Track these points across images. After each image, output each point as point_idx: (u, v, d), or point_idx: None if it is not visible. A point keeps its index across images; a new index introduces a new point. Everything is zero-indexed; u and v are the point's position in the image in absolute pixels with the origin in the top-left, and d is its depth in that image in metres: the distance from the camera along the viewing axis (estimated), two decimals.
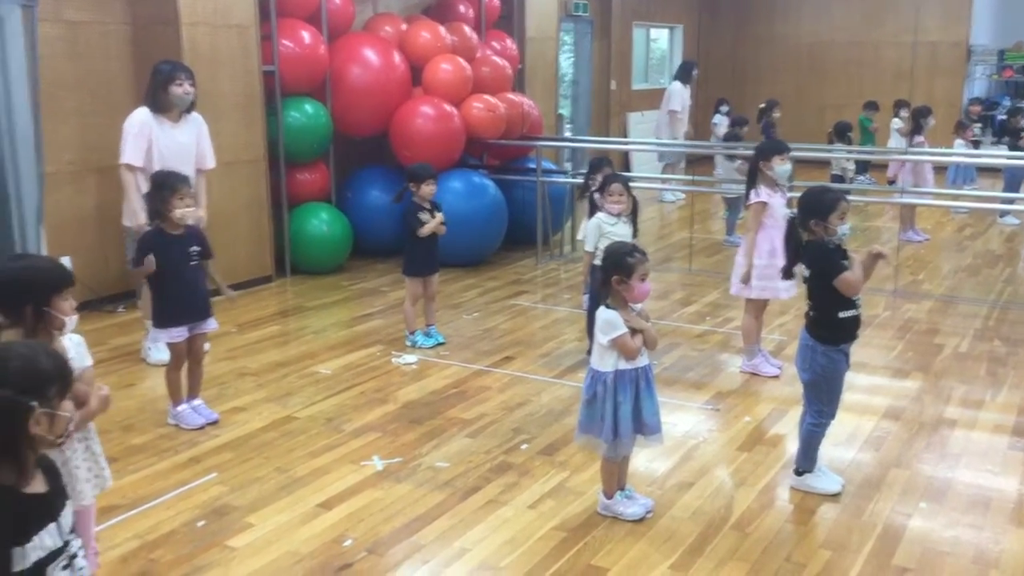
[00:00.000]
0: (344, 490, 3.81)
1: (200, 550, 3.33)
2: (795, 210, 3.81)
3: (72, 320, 2.74)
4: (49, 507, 1.83)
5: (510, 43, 9.32)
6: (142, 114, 5.26)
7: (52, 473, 1.89)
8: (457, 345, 5.76)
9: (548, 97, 10.14)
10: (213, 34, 6.70)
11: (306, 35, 7.37)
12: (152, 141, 5.23)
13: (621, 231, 4.88)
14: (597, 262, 4.81)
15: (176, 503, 3.70)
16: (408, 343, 5.70)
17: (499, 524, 3.53)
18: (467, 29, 8.57)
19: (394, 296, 6.90)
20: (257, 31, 7.04)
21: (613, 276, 3.38)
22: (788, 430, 4.37)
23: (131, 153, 5.19)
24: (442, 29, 8.20)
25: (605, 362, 3.43)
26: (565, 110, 12.49)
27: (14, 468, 1.76)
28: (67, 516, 1.87)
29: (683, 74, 11.82)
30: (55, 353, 1.87)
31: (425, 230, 5.52)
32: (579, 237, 5.63)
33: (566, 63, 12.74)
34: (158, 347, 5.18)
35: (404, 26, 8.27)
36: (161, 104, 5.26)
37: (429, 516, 3.59)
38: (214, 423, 4.49)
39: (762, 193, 5.02)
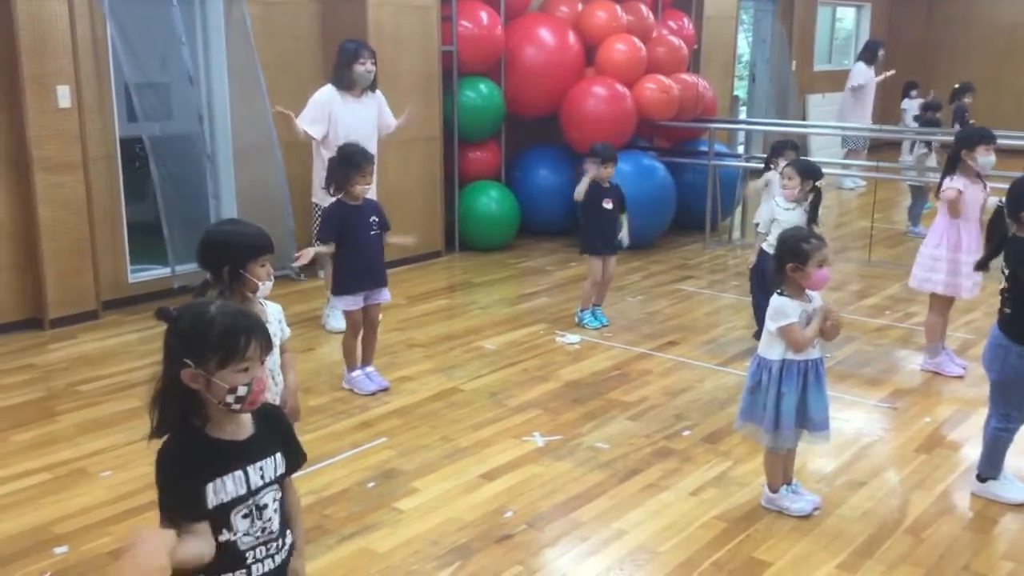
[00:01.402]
0: (505, 463, 3.88)
1: (370, 510, 3.48)
2: (1003, 199, 3.54)
3: (266, 286, 2.90)
4: (243, 455, 1.89)
5: (687, 23, 9.13)
6: (328, 90, 5.52)
7: (269, 422, 1.97)
8: (620, 327, 5.74)
9: (724, 78, 9.88)
10: (397, 14, 6.92)
11: (484, 15, 7.49)
12: (334, 116, 5.46)
13: (793, 218, 4.69)
14: (767, 247, 4.70)
15: (348, 463, 3.88)
16: (576, 320, 5.73)
17: (659, 509, 3.51)
18: (643, 8, 8.45)
19: (559, 276, 6.94)
20: (438, 11, 7.21)
21: (788, 264, 3.27)
22: (971, 434, 4.11)
23: (306, 120, 5.44)
24: (618, 9, 8.13)
25: (772, 350, 3.33)
26: (741, 91, 12.13)
27: (197, 414, 1.87)
28: (267, 467, 1.92)
29: (868, 54, 11.23)
30: (232, 326, 1.87)
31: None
32: (754, 221, 5.49)
33: (744, 43, 12.36)
34: (336, 315, 5.45)
35: (580, 6, 8.26)
36: (345, 81, 5.50)
37: (588, 495, 3.61)
38: (385, 390, 4.67)
39: (958, 182, 4.72)
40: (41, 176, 5.46)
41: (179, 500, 1.83)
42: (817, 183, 4.80)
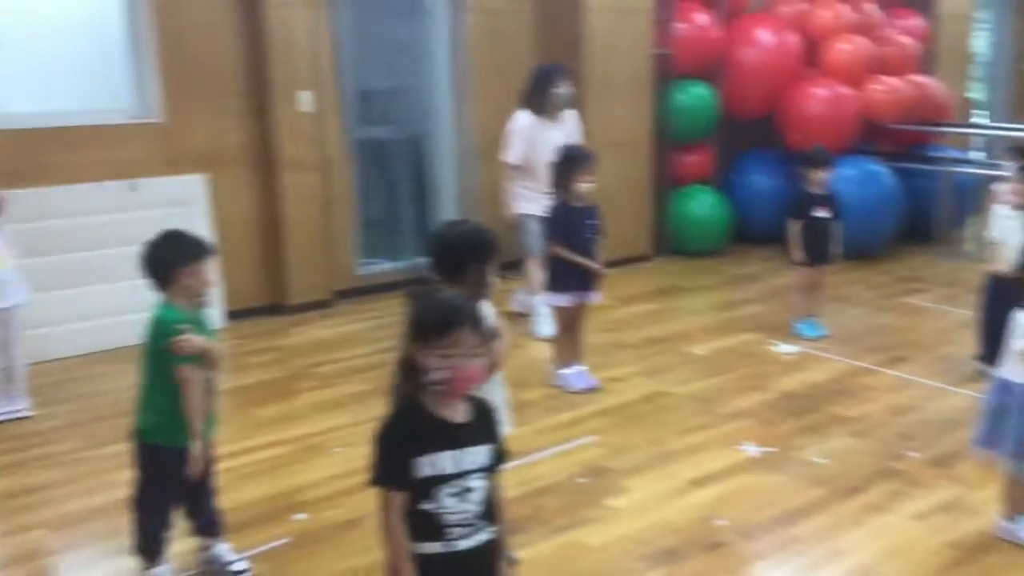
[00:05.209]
0: (716, 471, 3.83)
1: (581, 505, 3.55)
2: None
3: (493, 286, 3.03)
4: (456, 437, 2.00)
5: (919, 21, 8.62)
6: (525, 117, 5.58)
7: (482, 414, 2.10)
8: (840, 339, 5.50)
9: (958, 80, 9.25)
10: (613, 19, 6.97)
11: (701, 17, 7.41)
12: (531, 142, 5.54)
13: (1016, 227, 4.32)
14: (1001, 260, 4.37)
15: (559, 458, 3.97)
16: (793, 330, 5.57)
17: (881, 531, 3.35)
18: (871, 7, 8.07)
19: (774, 283, 6.75)
20: (655, 15, 7.20)
21: None
22: None
23: (512, 152, 5.59)
24: (844, 8, 7.80)
25: (1017, 371, 3.10)
26: (978, 93, 11.29)
27: (421, 389, 2.01)
28: (479, 454, 2.03)
29: None
30: (445, 313, 1.98)
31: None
32: (986, 232, 5.13)
33: (983, 43, 11.49)
34: (544, 322, 5.60)
35: (803, 5, 7.99)
36: (541, 106, 5.56)
37: (804, 510, 3.50)
38: (595, 389, 4.73)
39: None
40: (286, 175, 5.94)
41: (388, 467, 1.98)
42: None
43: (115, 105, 5.64)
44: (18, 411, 4.42)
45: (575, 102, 5.73)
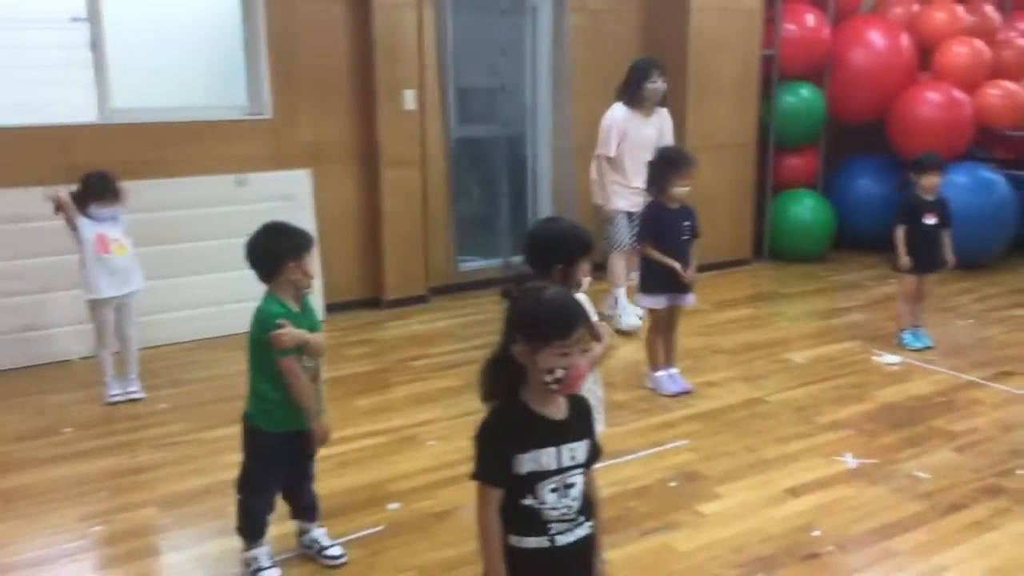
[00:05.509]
0: (813, 481, 3.75)
1: (671, 508, 3.52)
2: None
3: (587, 281, 3.04)
4: (557, 434, 2.02)
5: None
6: (619, 110, 5.64)
7: (580, 410, 2.11)
8: (946, 351, 5.32)
9: None
10: (720, 19, 6.89)
11: (810, 18, 7.25)
12: (624, 135, 5.60)
13: None
14: None
15: (650, 461, 3.94)
16: (896, 340, 5.41)
17: (985, 549, 3.23)
18: (989, 8, 7.76)
19: (877, 292, 6.57)
20: (761, 15, 7.08)
21: None
22: None
23: (607, 146, 5.64)
24: (960, 9, 7.52)
25: None
26: None
27: (523, 387, 2.02)
28: (578, 450, 2.05)
29: None
30: (561, 311, 1.98)
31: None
32: None
33: None
34: (628, 314, 5.66)
35: (916, 7, 7.74)
36: (635, 99, 5.59)
37: (904, 525, 3.40)
38: (688, 393, 4.69)
39: None
40: (387, 171, 6.07)
41: (488, 464, 2.01)
42: None
43: (229, 102, 5.87)
44: (131, 393, 4.63)
45: (667, 98, 5.72)
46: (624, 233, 5.75)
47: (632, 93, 5.61)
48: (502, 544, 2.03)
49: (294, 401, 2.90)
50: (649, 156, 5.61)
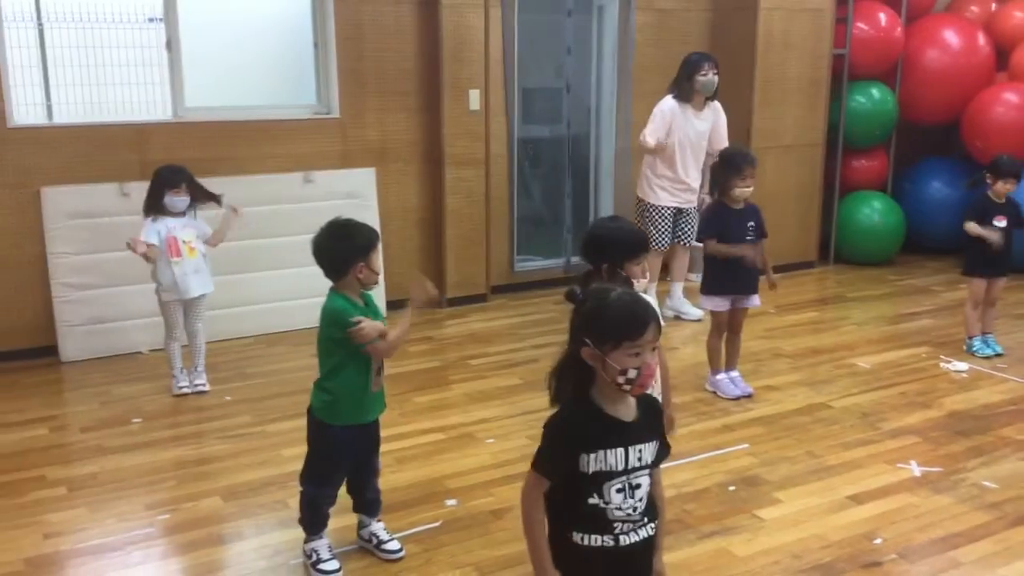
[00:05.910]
0: (876, 488, 3.68)
1: (729, 512, 3.49)
2: None
3: (641, 283, 3.04)
4: (626, 435, 2.02)
5: None
6: (669, 103, 5.67)
7: (650, 412, 2.10)
8: (1017, 359, 5.17)
9: None
10: (789, 18, 6.79)
11: (882, 17, 7.10)
12: (674, 128, 5.61)
13: None
14: None
15: (709, 464, 3.91)
16: (966, 347, 5.29)
17: None
18: None
19: (947, 297, 6.41)
20: (832, 14, 6.96)
21: None
22: None
23: (651, 133, 5.66)
24: None
25: None
26: None
27: (593, 389, 2.03)
28: (646, 452, 2.05)
29: None
30: (630, 312, 1.99)
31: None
32: None
33: None
34: (689, 304, 5.78)
35: (993, 6, 7.52)
36: (686, 93, 5.61)
37: (970, 535, 3.32)
38: (748, 396, 4.64)
39: None
40: (450, 170, 6.12)
41: (547, 458, 2.04)
42: None
43: (298, 101, 5.99)
44: (198, 386, 4.75)
45: (717, 92, 5.73)
46: (664, 232, 5.77)
47: (682, 86, 5.63)
48: (542, 532, 2.06)
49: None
50: (701, 151, 5.61)
